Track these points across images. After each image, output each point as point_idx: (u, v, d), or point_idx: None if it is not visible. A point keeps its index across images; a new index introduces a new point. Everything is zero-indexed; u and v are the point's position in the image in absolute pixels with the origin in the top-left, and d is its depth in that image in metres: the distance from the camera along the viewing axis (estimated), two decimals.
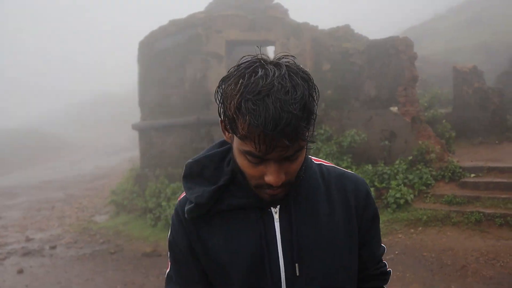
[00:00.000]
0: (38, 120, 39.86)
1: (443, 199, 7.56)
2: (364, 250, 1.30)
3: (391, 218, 7.38)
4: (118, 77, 47.16)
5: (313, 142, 1.07)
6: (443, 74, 17.06)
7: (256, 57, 1.07)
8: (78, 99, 43.66)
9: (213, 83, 9.54)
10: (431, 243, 6.36)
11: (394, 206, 7.60)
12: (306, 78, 1.03)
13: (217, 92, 1.09)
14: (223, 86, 1.06)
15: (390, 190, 7.87)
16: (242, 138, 1.01)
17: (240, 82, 1.00)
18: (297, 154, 1.07)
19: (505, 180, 7.37)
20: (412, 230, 6.93)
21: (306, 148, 1.10)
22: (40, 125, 34.86)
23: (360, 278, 1.32)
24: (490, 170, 7.94)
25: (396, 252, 6.19)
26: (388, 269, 1.41)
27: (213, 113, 9.47)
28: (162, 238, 8.12)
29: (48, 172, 22.54)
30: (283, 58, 1.08)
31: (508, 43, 20.40)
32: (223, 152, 1.25)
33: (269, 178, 1.05)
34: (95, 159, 26.18)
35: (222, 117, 1.09)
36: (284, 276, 1.15)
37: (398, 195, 7.66)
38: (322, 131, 9.75)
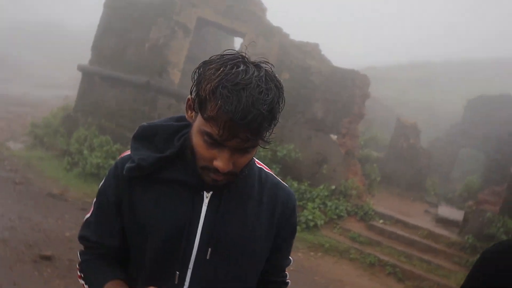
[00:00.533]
0: None
1: (349, 234, 7.99)
2: (274, 256, 1.37)
3: (297, 236, 7.58)
4: (78, 11, 44.93)
5: (269, 143, 1.13)
6: (386, 121, 17.92)
7: (240, 53, 1.12)
8: (30, 20, 40.94)
9: (173, 53, 9.39)
10: (325, 270, 6.69)
11: (304, 226, 7.90)
12: (278, 87, 1.09)
13: (195, 72, 1.12)
14: (202, 69, 1.10)
15: (305, 210, 8.17)
16: (207, 119, 1.05)
17: (221, 69, 1.05)
18: (250, 150, 1.12)
19: (406, 235, 7.95)
20: (312, 253, 7.24)
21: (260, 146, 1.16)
22: None
23: (261, 280, 1.39)
24: (397, 222, 8.52)
25: (292, 269, 6.43)
26: (287, 280, 1.49)
27: (165, 81, 9.32)
28: (73, 184, 7.88)
29: None
30: (263, 63, 1.13)
31: (448, 111, 21.81)
32: (179, 127, 1.28)
33: (218, 163, 1.09)
34: (28, 84, 24.73)
35: (192, 96, 1.13)
36: (194, 256, 1.21)
37: (310, 217, 7.97)
38: None
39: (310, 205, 8.32)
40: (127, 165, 1.23)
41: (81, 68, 11.16)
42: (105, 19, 11.16)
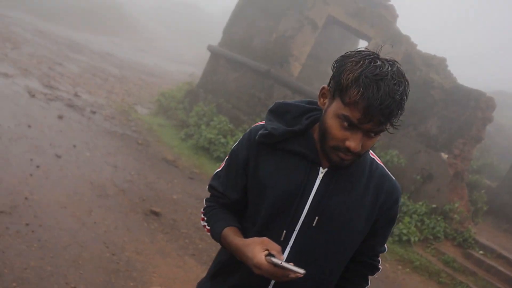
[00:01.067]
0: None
1: (443, 257, 7.69)
2: (370, 240, 1.55)
3: (387, 247, 7.58)
4: None
5: (397, 128, 1.32)
6: (507, 150, 16.60)
7: (374, 52, 1.32)
8: (169, 1, 44.17)
9: (298, 46, 9.68)
10: (410, 287, 6.56)
11: (396, 238, 7.78)
12: (407, 81, 1.29)
13: (335, 62, 1.34)
14: (342, 61, 1.31)
15: (400, 224, 8.02)
16: (348, 104, 1.25)
17: (361, 62, 1.25)
18: (377, 135, 1.32)
19: (507, 272, 7.42)
20: (400, 267, 7.13)
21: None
22: (125, 4, 35.66)
23: (353, 258, 1.57)
24: (500, 257, 7.97)
25: (376, 277, 6.43)
26: (379, 266, 1.66)
27: (284, 72, 9.67)
28: (185, 154, 8.56)
29: (114, 47, 23.38)
30: (395, 61, 1.32)
31: None
32: (309, 108, 1.51)
33: (351, 144, 1.29)
34: (160, 57, 26.90)
35: (331, 83, 1.35)
36: (302, 220, 1.43)
37: (404, 231, 7.81)
38: None
39: (406, 219, 8.15)
40: (261, 131, 1.47)
41: (210, 49, 11.96)
42: (239, 5, 11.79)
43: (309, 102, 1.55)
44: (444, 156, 9.38)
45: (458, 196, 9.22)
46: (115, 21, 30.86)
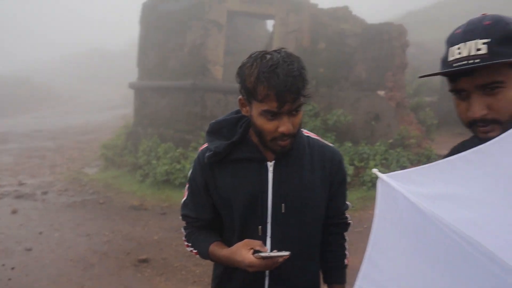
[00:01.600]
0: (30, 69, 39.49)
1: None
2: (332, 203, 1.74)
3: (365, 195, 7.92)
4: (116, 35, 46.73)
5: (309, 97, 1.51)
6: (434, 64, 17.46)
7: (260, 51, 1.50)
8: (73, 51, 43.20)
9: (211, 51, 9.83)
10: None
11: (370, 184, 8.13)
12: (297, 58, 1.47)
13: (237, 75, 1.51)
14: (240, 71, 1.49)
15: (367, 169, 8.38)
16: (262, 100, 1.42)
17: (254, 64, 1.43)
18: (298, 110, 1.49)
19: None
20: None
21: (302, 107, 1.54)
22: (32, 74, 34.62)
23: (326, 223, 1.76)
24: None
25: (365, 226, 6.72)
26: (349, 221, 1.85)
27: (209, 79, 9.80)
28: (148, 194, 8.57)
29: (38, 122, 22.71)
30: (281, 48, 1.50)
31: None
32: (238, 118, 1.67)
33: (282, 128, 1.46)
34: (86, 113, 26.35)
35: (242, 93, 1.52)
36: (270, 212, 1.60)
37: (374, 174, 8.15)
38: (310, 107, 10.14)
39: (371, 163, 8.51)
40: (207, 154, 1.62)
41: (132, 86, 11.92)
42: (143, 35, 11.80)
43: (237, 112, 1.70)
44: (381, 93, 9.83)
45: (407, 122, 9.71)
46: (26, 96, 29.94)
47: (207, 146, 1.66)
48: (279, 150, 1.54)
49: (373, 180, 8.15)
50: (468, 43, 1.12)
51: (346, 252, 1.84)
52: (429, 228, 0.97)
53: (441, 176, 1.04)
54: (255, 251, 1.47)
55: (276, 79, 1.37)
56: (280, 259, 1.44)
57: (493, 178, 0.95)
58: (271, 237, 1.60)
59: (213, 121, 1.71)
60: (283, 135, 1.47)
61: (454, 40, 1.17)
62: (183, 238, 1.79)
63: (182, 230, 1.81)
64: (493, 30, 1.11)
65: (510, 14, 1.23)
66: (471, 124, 1.17)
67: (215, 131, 1.67)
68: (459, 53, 1.13)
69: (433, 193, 1.02)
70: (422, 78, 14.84)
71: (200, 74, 9.81)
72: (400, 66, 9.87)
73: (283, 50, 1.48)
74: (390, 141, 9.15)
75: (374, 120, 9.77)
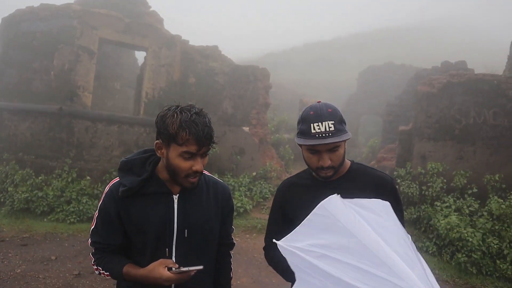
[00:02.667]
0: None
1: None
2: (222, 227, 2.14)
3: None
4: None
5: (216, 143, 1.91)
6: (292, 103, 19.24)
7: (175, 105, 1.87)
8: None
9: (81, 77, 9.65)
10: (261, 247, 7.55)
11: (235, 213, 8.70)
12: (204, 113, 1.86)
13: (157, 123, 1.85)
14: (160, 120, 1.83)
15: (233, 199, 8.96)
16: (181, 144, 1.77)
17: (175, 115, 1.79)
18: (207, 153, 1.89)
19: None
20: (247, 235, 8.09)
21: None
22: None
23: (217, 244, 2.16)
24: None
25: (232, 252, 7.24)
26: (234, 242, 2.28)
27: (77, 105, 9.57)
28: (5, 223, 7.97)
29: None
30: (190, 105, 1.89)
31: (346, 84, 23.74)
32: (146, 157, 2.01)
33: (197, 167, 1.83)
34: None
35: (161, 138, 1.84)
36: (175, 236, 1.94)
37: (239, 204, 8.81)
38: None
39: (237, 193, 9.15)
40: (121, 189, 1.90)
41: None
42: (2, 51, 11.01)
43: (145, 152, 2.04)
44: (246, 129, 10.66)
45: (269, 157, 10.65)
46: None
47: (119, 181, 1.95)
48: (189, 186, 1.91)
49: (238, 210, 8.76)
50: (324, 122, 1.81)
51: (232, 267, 2.26)
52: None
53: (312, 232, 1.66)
54: (169, 268, 1.81)
55: (196, 127, 1.76)
56: (192, 273, 1.80)
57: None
58: (176, 257, 1.93)
59: (124, 159, 2.00)
60: (195, 173, 1.85)
61: (311, 119, 1.84)
62: (92, 263, 2.01)
63: (91, 255, 2.02)
64: (334, 115, 1.84)
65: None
66: (318, 168, 1.88)
67: (126, 169, 1.97)
68: (319, 129, 1.81)
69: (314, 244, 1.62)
70: (282, 116, 16.30)
71: (68, 100, 9.54)
72: (264, 105, 10.86)
73: (194, 106, 1.87)
74: (254, 173, 9.93)
75: (239, 153, 10.51)
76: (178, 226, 1.93)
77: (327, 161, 1.85)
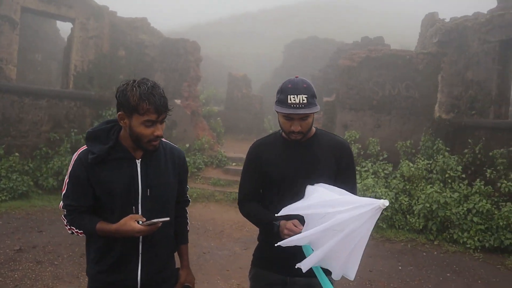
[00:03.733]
0: None
1: (210, 181, 9.32)
2: (179, 186, 2.43)
3: None
4: None
5: (169, 114, 2.17)
6: (220, 76, 19.43)
7: (132, 80, 2.10)
8: None
9: (3, 48, 9.15)
10: (198, 214, 7.95)
11: None
12: (158, 85, 2.11)
13: (117, 95, 2.08)
14: (121, 93, 2.06)
15: None
16: (144, 113, 2.01)
17: (134, 88, 2.02)
18: (164, 120, 2.16)
19: None
20: None
21: None
22: None
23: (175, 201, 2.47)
24: None
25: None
26: (189, 199, 2.59)
27: (0, 79, 9.16)
28: None
29: None
30: (145, 79, 2.14)
31: (271, 57, 24.26)
32: (110, 127, 2.23)
33: (158, 132, 2.09)
34: None
35: (123, 109, 2.07)
36: (140, 195, 2.21)
37: None
38: (110, 112, 10.42)
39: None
40: (90, 156, 2.14)
41: None
42: None
43: (107, 122, 2.28)
44: (178, 101, 10.80)
45: (201, 129, 10.93)
46: None
47: (87, 149, 2.18)
48: (152, 149, 2.17)
49: None
50: (299, 95, 2.17)
51: (188, 221, 2.58)
52: None
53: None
54: (138, 222, 2.09)
55: (154, 98, 2.01)
56: (160, 224, 2.10)
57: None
58: (141, 213, 2.20)
59: (90, 129, 2.25)
60: (157, 137, 2.13)
61: (288, 91, 2.19)
62: (65, 223, 2.25)
63: (63, 217, 2.25)
64: (308, 90, 2.20)
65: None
66: (290, 132, 2.24)
67: (93, 138, 2.20)
68: (294, 100, 2.17)
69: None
70: (210, 89, 16.49)
71: None
72: (195, 78, 11.04)
73: (148, 79, 2.12)
74: (187, 145, 10.17)
75: (172, 126, 10.67)
76: (142, 186, 2.20)
77: (297, 127, 2.21)
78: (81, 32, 10.36)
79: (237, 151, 11.09)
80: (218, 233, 7.05)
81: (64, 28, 16.18)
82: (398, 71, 9.87)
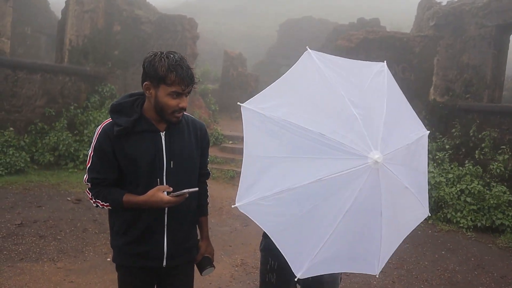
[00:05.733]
0: None
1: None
2: (201, 159, 2.45)
3: None
4: None
5: (194, 87, 2.20)
6: (213, 54, 19.28)
7: (160, 51, 2.11)
8: None
9: None
10: None
11: None
12: (184, 58, 2.13)
13: (144, 65, 2.08)
14: (148, 63, 2.06)
15: None
16: (171, 84, 2.01)
17: (163, 59, 2.03)
18: (189, 93, 2.19)
19: None
20: None
21: None
22: None
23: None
24: (243, 139, 10.13)
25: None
26: (209, 171, 2.61)
27: None
28: None
29: None
30: (172, 51, 2.14)
31: (265, 35, 24.10)
32: (133, 100, 2.24)
33: (183, 104, 2.11)
34: None
35: (149, 80, 2.08)
36: (165, 166, 2.20)
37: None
38: (107, 88, 10.35)
39: None
40: (116, 128, 2.15)
41: None
42: None
43: (130, 95, 2.28)
44: None
45: (197, 106, 10.91)
46: None
47: (111, 122, 2.19)
48: (175, 121, 2.19)
49: None
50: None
51: (208, 194, 2.61)
52: (282, 131, 1.93)
53: (276, 93, 2.07)
54: (167, 192, 2.14)
55: (181, 69, 2.03)
56: (187, 195, 2.14)
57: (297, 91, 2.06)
58: (167, 184, 2.22)
59: (114, 102, 2.24)
60: (181, 109, 2.15)
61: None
62: (90, 197, 2.26)
63: (88, 191, 2.27)
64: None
65: None
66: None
67: (117, 111, 2.20)
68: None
69: (276, 104, 2.01)
70: (205, 66, 16.36)
71: None
72: (192, 55, 10.96)
73: (177, 52, 2.13)
74: None
75: None
76: (167, 159, 2.22)
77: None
78: (77, 6, 10.19)
79: (232, 129, 11.12)
80: (218, 210, 7.13)
81: (54, 2, 15.90)
82: (395, 53, 9.93)
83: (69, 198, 7.10)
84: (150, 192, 2.12)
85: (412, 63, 9.98)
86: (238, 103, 2.08)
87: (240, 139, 10.14)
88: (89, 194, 2.27)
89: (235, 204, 1.90)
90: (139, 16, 10.84)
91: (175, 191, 2.12)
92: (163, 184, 2.21)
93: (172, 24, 10.78)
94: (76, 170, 8.84)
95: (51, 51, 13.94)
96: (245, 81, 13.55)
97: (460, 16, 9.46)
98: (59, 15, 11.60)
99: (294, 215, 1.88)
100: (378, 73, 2.22)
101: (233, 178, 8.61)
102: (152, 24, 10.88)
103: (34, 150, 8.97)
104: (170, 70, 2.01)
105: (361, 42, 10.27)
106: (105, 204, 2.24)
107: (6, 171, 8.04)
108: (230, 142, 10.06)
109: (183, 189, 2.14)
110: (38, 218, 6.06)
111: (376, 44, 10.12)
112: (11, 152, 8.28)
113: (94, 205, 2.26)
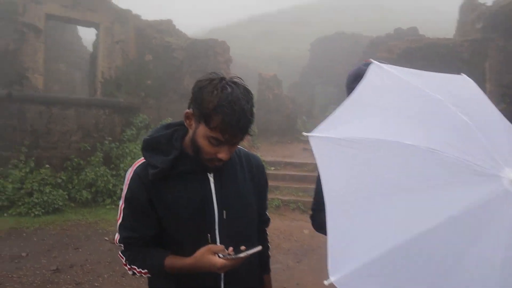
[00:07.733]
0: None
1: None
2: (259, 203, 1.92)
3: None
4: None
5: (251, 135, 1.65)
6: (246, 77, 18.96)
7: (220, 75, 1.57)
8: None
9: (29, 57, 8.92)
10: None
11: None
12: (251, 95, 1.58)
13: (193, 94, 1.56)
14: (198, 91, 1.54)
15: None
16: (213, 128, 1.50)
17: (215, 92, 1.49)
18: (238, 143, 1.64)
19: (297, 173, 9.07)
20: None
21: None
22: None
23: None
24: (286, 165, 9.60)
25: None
26: (269, 217, 2.07)
27: (27, 89, 8.89)
28: None
29: None
30: (238, 78, 1.59)
31: (296, 56, 23.74)
32: (171, 133, 1.70)
33: (223, 156, 1.57)
34: None
35: (194, 110, 1.56)
36: (217, 218, 1.68)
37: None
38: (140, 119, 10.05)
39: None
40: (151, 171, 1.62)
41: None
42: None
43: (167, 127, 1.75)
44: None
45: None
46: None
47: (144, 163, 1.67)
48: (213, 168, 1.66)
49: None
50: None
51: (269, 245, 2.09)
52: (375, 154, 1.26)
53: (352, 114, 1.46)
54: (219, 255, 1.56)
55: (232, 116, 1.46)
56: (248, 256, 1.57)
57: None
58: (220, 242, 1.68)
59: (147, 137, 1.71)
60: (219, 160, 1.60)
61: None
62: (124, 262, 1.73)
63: (121, 254, 1.74)
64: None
65: None
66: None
67: (152, 148, 1.68)
68: None
69: (358, 125, 1.37)
70: None
71: (17, 84, 8.82)
72: None
73: (241, 84, 1.56)
74: None
75: None
76: (218, 207, 1.69)
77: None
78: (107, 38, 10.03)
79: (273, 154, 10.58)
80: None
81: (87, 36, 16.03)
82: (441, 61, 9.23)
83: (107, 238, 6.67)
84: (199, 254, 1.58)
85: (461, 70, 9.14)
86: (304, 133, 1.43)
87: (282, 165, 9.58)
88: (123, 258, 1.73)
89: (328, 278, 1.08)
90: (170, 44, 10.60)
91: (230, 249, 1.56)
92: (215, 241, 1.66)
93: (204, 49, 10.47)
94: (113, 206, 8.46)
95: (85, 85, 13.93)
96: (282, 104, 13.06)
97: (510, 16, 8.74)
98: (91, 49, 11.53)
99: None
100: (467, 81, 1.66)
101: (279, 207, 8.03)
102: (183, 51, 10.60)
103: (71, 187, 8.67)
104: (216, 111, 1.46)
105: (403, 52, 9.66)
106: (142, 271, 1.69)
107: (43, 210, 7.73)
108: (273, 168, 9.50)
109: (241, 247, 1.58)
110: (75, 261, 5.64)
111: (419, 53, 9.47)
112: (48, 191, 7.99)
113: (130, 272, 1.71)
